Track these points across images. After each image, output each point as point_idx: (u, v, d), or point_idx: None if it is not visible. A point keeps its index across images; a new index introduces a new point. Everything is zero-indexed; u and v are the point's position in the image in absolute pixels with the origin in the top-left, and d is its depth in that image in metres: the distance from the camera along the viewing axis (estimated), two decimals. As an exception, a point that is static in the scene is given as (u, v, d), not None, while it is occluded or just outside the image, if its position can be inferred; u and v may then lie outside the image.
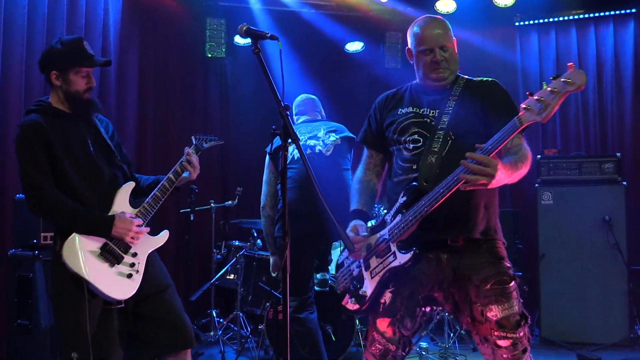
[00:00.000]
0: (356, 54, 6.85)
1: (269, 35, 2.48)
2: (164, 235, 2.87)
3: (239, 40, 6.48)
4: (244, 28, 2.48)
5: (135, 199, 2.84)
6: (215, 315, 5.32)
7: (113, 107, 5.42)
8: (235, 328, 5.16)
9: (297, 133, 3.91)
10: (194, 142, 3.07)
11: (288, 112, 2.32)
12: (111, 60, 2.96)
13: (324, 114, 4.32)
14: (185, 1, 6.24)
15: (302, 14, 6.47)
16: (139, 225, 2.67)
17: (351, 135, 4.08)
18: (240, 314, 5.11)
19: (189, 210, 5.20)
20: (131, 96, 5.71)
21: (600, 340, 5.19)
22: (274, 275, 4.10)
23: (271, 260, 4.07)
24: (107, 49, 5.35)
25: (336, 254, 4.87)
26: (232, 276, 5.36)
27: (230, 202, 5.51)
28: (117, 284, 2.58)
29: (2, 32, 4.32)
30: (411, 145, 2.52)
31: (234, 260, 5.22)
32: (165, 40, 6.21)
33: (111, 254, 2.61)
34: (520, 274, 5.94)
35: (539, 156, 5.63)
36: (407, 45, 2.71)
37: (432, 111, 2.57)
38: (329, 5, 6.52)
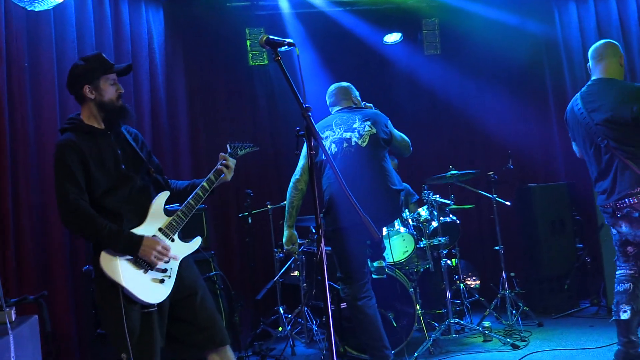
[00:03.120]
0: (393, 46, 6.89)
1: (286, 42, 2.66)
2: (196, 242, 3.01)
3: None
4: (264, 39, 2.69)
5: (170, 205, 3.00)
6: (282, 311, 5.53)
7: (166, 126, 5.70)
8: (303, 322, 5.38)
9: (332, 126, 4.13)
10: (228, 150, 3.19)
11: (310, 113, 2.47)
12: (131, 64, 3.06)
13: (358, 99, 4.40)
14: (223, 15, 6.45)
15: (335, 14, 6.60)
16: (165, 247, 2.81)
17: (385, 123, 4.20)
18: (305, 308, 5.31)
19: (246, 214, 5.44)
20: (181, 113, 5.97)
21: (669, 304, 5.09)
22: (287, 248, 4.20)
23: (285, 233, 4.17)
24: (154, 71, 5.63)
25: (393, 241, 5.01)
26: (296, 273, 5.58)
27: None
28: (150, 288, 2.75)
29: (55, 68, 4.60)
30: None
31: (294, 257, 5.43)
32: (208, 54, 6.47)
33: (145, 261, 2.77)
34: (582, 245, 5.92)
35: (588, 126, 5.57)
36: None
37: None
38: (360, 1, 6.63)
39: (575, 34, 6.48)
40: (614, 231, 3.98)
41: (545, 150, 6.68)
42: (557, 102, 6.58)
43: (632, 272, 3.94)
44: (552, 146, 6.62)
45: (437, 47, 6.92)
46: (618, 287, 3.97)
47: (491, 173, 5.57)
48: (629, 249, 3.93)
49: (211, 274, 4.46)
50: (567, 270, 5.79)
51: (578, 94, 4.03)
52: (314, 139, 2.48)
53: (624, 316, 3.88)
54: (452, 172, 5.32)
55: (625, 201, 3.75)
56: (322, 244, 2.39)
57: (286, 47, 2.68)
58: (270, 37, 2.68)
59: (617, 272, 4.02)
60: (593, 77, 3.99)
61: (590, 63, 4.01)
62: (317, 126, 4.27)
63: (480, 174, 5.86)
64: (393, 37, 6.89)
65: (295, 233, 4.21)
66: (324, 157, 4.08)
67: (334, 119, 4.25)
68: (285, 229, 4.20)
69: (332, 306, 4.80)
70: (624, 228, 3.85)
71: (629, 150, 3.72)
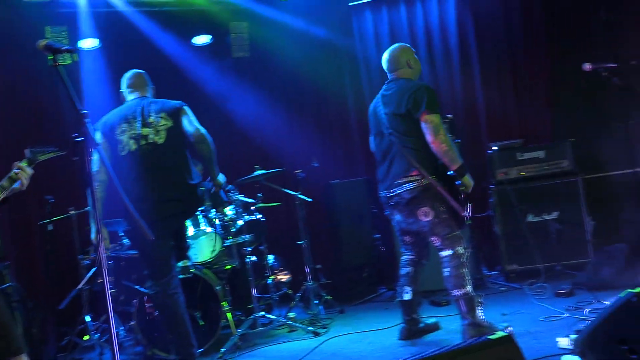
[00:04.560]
0: (202, 48, 6.98)
1: (64, 48, 2.67)
2: None
3: (84, 44, 6.47)
4: (43, 44, 2.67)
5: None
6: (89, 319, 5.38)
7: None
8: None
9: (127, 118, 4.09)
10: (27, 155, 3.11)
11: (87, 120, 2.51)
12: None
13: (151, 90, 4.41)
14: (22, 11, 6.12)
15: (142, 15, 6.56)
16: None
17: (183, 114, 4.19)
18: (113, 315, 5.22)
19: (47, 221, 5.24)
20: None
21: (450, 285, 5.72)
22: (94, 244, 4.14)
23: (93, 228, 4.03)
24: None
25: (200, 241, 5.11)
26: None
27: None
28: None
29: None
30: None
31: (98, 264, 5.31)
32: (6, 53, 6.10)
33: None
34: (378, 235, 6.45)
35: (380, 126, 6.08)
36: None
37: None
38: (169, 2, 6.65)
39: (371, 42, 7.02)
40: (393, 221, 4.43)
41: (346, 150, 7.17)
42: (356, 105, 7.10)
43: (412, 256, 4.44)
44: (352, 145, 7.13)
45: (245, 50, 7.13)
46: (401, 270, 4.45)
47: (298, 171, 5.87)
48: (406, 238, 4.40)
49: (4, 286, 4.26)
50: (366, 260, 6.29)
51: (380, 91, 4.41)
52: (92, 144, 2.51)
53: (406, 297, 4.37)
54: (259, 171, 5.54)
55: (394, 190, 4.16)
56: (101, 247, 2.45)
57: (66, 53, 2.68)
58: (49, 42, 2.67)
59: (401, 257, 4.50)
60: (389, 77, 4.40)
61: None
62: (112, 114, 4.24)
63: (289, 172, 6.16)
64: (202, 39, 6.97)
65: (106, 228, 4.15)
66: (122, 153, 4.06)
67: (129, 110, 4.20)
68: (92, 224, 4.09)
69: (138, 309, 4.80)
70: (397, 217, 4.29)
71: (406, 140, 4.10)
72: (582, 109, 6.69)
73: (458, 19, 6.86)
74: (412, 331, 4.42)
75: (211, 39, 6.98)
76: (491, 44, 6.86)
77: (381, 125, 4.27)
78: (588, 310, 4.40)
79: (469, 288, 4.04)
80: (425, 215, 4.07)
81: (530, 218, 5.92)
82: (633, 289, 2.89)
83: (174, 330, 4.11)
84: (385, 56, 4.41)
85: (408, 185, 4.08)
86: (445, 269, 4.10)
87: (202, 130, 4.19)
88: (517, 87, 6.84)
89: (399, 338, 4.44)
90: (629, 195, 6.51)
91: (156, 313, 4.59)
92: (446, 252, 4.09)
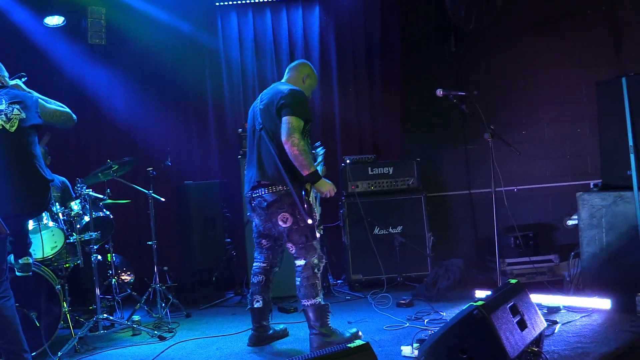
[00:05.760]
0: (55, 30, 6.54)
1: None
2: None
3: None
4: None
5: None
6: None
7: None
8: None
9: None
10: None
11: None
12: None
13: (6, 79, 4.06)
14: None
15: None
16: None
17: (36, 105, 3.98)
18: None
19: None
20: None
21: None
22: None
23: None
24: None
25: (37, 237, 4.75)
26: None
27: None
28: None
29: None
30: None
31: None
32: None
33: None
34: (230, 240, 6.41)
35: (239, 130, 6.04)
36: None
37: None
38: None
39: (235, 44, 6.98)
40: (253, 224, 4.43)
41: (202, 151, 7.04)
42: (215, 106, 7.02)
43: (264, 264, 4.46)
44: (209, 147, 7.02)
45: (102, 37, 6.75)
46: (253, 279, 4.45)
47: (150, 169, 5.67)
48: (263, 241, 4.42)
49: None
50: (216, 263, 6.22)
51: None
52: None
53: (257, 305, 4.39)
54: (110, 163, 5.28)
55: (257, 191, 4.16)
56: None
57: None
58: None
59: (253, 265, 4.50)
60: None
61: None
62: None
63: (140, 170, 5.93)
64: (55, 20, 6.52)
65: None
66: None
67: None
68: None
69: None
70: (257, 219, 4.31)
71: (273, 140, 4.11)
72: (429, 130, 7.14)
73: (321, 32, 7.01)
74: (261, 337, 4.44)
75: (64, 21, 6.55)
76: (351, 60, 7.10)
77: (255, 120, 4.27)
78: (427, 320, 4.70)
79: (319, 298, 4.13)
80: (284, 222, 4.11)
81: (377, 230, 6.20)
82: (475, 302, 3.14)
83: (3, 335, 3.78)
84: (290, 65, 4.51)
85: (271, 189, 4.11)
86: (298, 278, 4.17)
87: (65, 109, 4.15)
88: (372, 104, 7.12)
89: (248, 344, 4.44)
90: (464, 214, 7.09)
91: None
92: (300, 262, 4.17)
